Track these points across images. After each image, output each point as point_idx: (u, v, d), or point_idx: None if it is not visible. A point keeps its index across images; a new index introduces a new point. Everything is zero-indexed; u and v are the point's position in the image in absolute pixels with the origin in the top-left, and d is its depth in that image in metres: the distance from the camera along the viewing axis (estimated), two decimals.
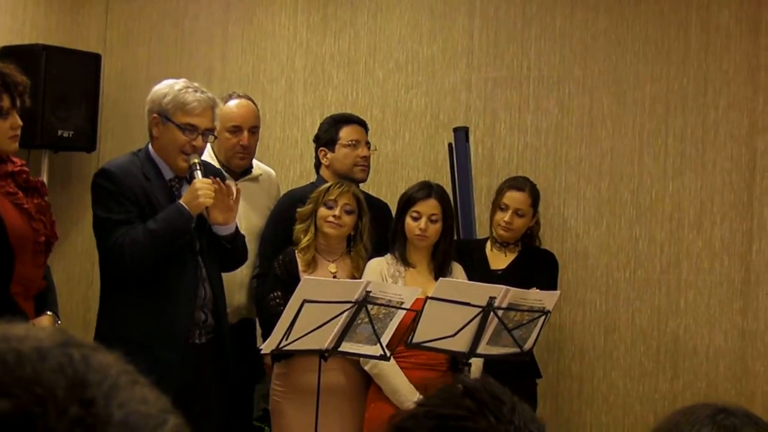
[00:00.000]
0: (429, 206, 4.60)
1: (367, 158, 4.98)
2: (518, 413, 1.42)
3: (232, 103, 5.01)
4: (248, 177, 5.10)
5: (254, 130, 5.05)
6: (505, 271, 4.84)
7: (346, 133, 4.97)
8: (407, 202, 4.64)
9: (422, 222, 4.58)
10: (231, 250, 4.32)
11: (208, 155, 4.71)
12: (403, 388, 4.44)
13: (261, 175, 5.18)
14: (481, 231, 5.23)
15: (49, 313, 4.15)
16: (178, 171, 4.20)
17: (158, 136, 4.18)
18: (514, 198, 4.88)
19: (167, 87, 4.20)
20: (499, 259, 4.92)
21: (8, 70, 3.97)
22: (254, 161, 5.17)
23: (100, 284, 4.26)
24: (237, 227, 4.32)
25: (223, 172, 4.61)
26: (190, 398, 4.13)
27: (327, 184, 4.69)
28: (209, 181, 4.13)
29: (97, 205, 4.14)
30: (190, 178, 4.18)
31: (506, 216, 4.86)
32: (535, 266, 4.87)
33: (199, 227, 4.16)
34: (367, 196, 4.93)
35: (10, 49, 5.75)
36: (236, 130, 4.95)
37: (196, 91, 4.18)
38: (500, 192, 4.93)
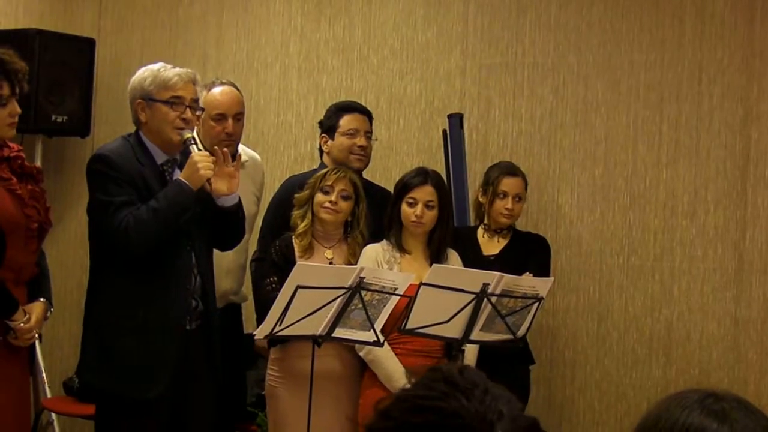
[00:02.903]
0: (425, 192, 4.60)
1: (364, 148, 4.96)
2: (490, 395, 1.46)
3: (216, 90, 4.97)
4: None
5: (239, 117, 5.01)
6: (497, 257, 4.85)
7: (345, 122, 4.96)
8: (403, 188, 4.64)
9: (418, 208, 4.58)
10: (235, 223, 4.31)
11: None
12: (397, 375, 4.45)
13: (247, 161, 5.16)
14: (475, 218, 5.23)
15: (42, 299, 4.15)
16: (172, 148, 4.17)
17: (147, 120, 4.16)
18: (511, 184, 4.91)
19: (146, 71, 4.20)
20: (491, 245, 4.93)
21: (8, 57, 3.95)
22: (240, 147, 5.14)
23: (90, 269, 4.24)
24: (240, 198, 4.30)
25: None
26: (184, 384, 4.14)
27: (324, 170, 4.69)
28: (207, 153, 4.12)
29: (96, 190, 4.10)
30: (185, 154, 4.17)
31: (508, 203, 4.88)
32: (528, 251, 4.89)
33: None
34: (369, 184, 4.93)
35: (4, 34, 5.73)
36: (221, 117, 4.91)
37: (174, 68, 4.18)
38: (495, 181, 4.92)
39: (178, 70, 4.17)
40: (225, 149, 4.24)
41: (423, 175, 4.64)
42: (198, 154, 4.07)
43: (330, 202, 4.59)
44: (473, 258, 4.76)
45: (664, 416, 1.65)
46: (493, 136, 5.52)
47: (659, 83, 5.22)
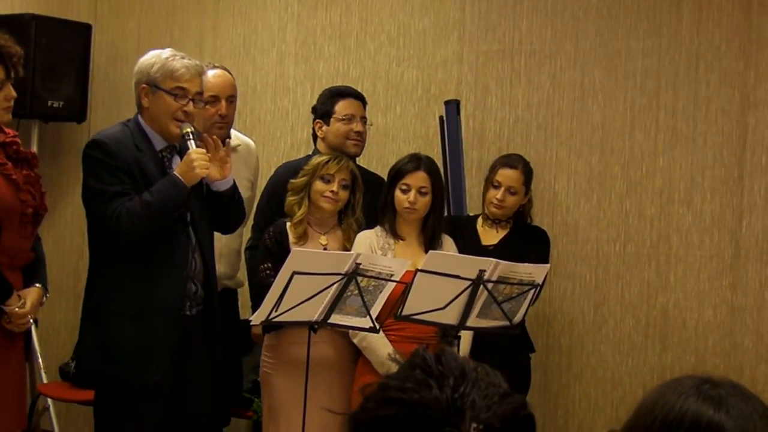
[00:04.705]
0: (418, 178, 4.59)
1: (360, 133, 4.96)
2: (468, 382, 1.44)
3: (209, 73, 4.98)
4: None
5: (231, 100, 5.03)
6: (496, 247, 4.84)
7: (341, 107, 4.95)
8: (396, 174, 4.63)
9: (411, 194, 4.58)
10: (233, 206, 4.31)
11: None
12: (389, 362, 4.44)
13: (240, 145, 5.17)
14: (472, 205, 5.23)
15: (37, 285, 4.15)
16: (170, 138, 4.17)
17: (149, 106, 4.16)
18: (506, 175, 4.88)
19: (154, 56, 4.18)
20: (490, 235, 4.92)
21: (3, 41, 3.95)
22: (233, 132, 5.15)
23: (89, 255, 4.24)
24: (234, 182, 4.30)
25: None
26: (182, 370, 4.14)
27: (324, 158, 4.65)
28: (203, 151, 4.11)
29: (90, 176, 4.10)
30: (183, 148, 4.17)
31: (498, 194, 4.86)
32: (527, 242, 4.87)
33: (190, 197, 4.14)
34: (364, 171, 4.92)
35: (0, 19, 5.71)
36: (214, 99, 4.93)
37: (183, 58, 4.17)
38: (493, 169, 4.93)
39: (186, 62, 4.16)
40: (214, 137, 4.25)
41: (416, 161, 4.64)
42: (195, 151, 4.07)
43: (331, 191, 4.58)
44: (472, 247, 4.76)
45: (660, 402, 1.65)
46: (490, 123, 5.51)
47: (656, 70, 5.21)
